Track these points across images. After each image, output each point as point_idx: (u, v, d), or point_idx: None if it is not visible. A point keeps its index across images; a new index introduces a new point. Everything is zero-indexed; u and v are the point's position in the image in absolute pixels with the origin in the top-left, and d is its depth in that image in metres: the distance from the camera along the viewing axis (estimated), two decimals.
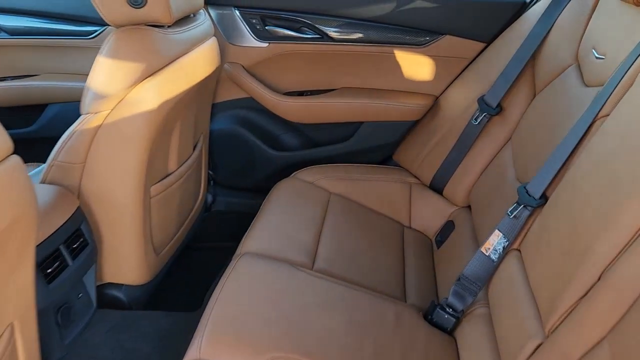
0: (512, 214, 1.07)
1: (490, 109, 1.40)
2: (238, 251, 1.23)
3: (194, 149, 1.47)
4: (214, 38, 1.41)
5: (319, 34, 1.58)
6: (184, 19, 1.29)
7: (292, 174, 1.59)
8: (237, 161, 1.78)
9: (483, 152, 1.43)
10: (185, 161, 1.41)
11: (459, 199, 1.49)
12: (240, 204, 1.82)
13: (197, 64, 1.27)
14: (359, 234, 1.41)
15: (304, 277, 1.13)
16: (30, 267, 0.85)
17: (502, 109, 1.39)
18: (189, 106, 1.33)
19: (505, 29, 1.50)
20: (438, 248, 1.47)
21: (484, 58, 1.52)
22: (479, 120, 1.42)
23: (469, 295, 1.10)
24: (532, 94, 1.36)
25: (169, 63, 1.17)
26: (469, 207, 1.48)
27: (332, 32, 1.57)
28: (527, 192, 1.07)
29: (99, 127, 1.12)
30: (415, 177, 1.61)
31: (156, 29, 1.15)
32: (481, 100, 1.42)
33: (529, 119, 1.30)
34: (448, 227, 1.48)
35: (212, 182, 1.78)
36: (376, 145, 1.70)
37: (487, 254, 1.09)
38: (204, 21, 1.37)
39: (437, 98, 1.63)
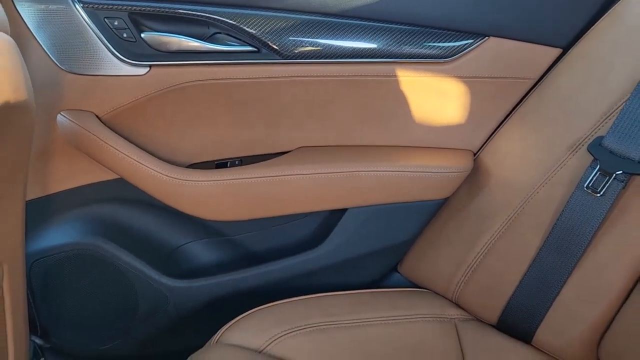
0: None
1: (629, 162, 0.68)
2: None
3: None
4: (3, 35, 0.58)
5: (252, 46, 0.80)
6: None
7: (217, 335, 0.75)
8: (96, 307, 0.90)
9: (621, 252, 0.69)
10: None
11: (573, 354, 0.73)
12: None
13: None
14: None
15: None
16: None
17: None
18: None
19: (594, 22, 0.82)
20: None
21: (564, 74, 0.82)
22: (603, 189, 0.69)
23: None
24: None
25: None
26: None
27: (279, 42, 0.80)
28: None
29: None
30: (457, 305, 0.84)
31: None
32: (600, 149, 0.70)
33: None
34: None
35: (42, 358, 0.88)
36: (372, 251, 0.90)
37: None
38: None
39: (476, 154, 0.89)
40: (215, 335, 0.74)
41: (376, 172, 0.84)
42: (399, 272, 0.95)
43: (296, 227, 0.93)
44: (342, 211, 0.88)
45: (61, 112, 0.80)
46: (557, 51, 0.83)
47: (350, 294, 0.85)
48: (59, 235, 0.87)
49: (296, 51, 0.81)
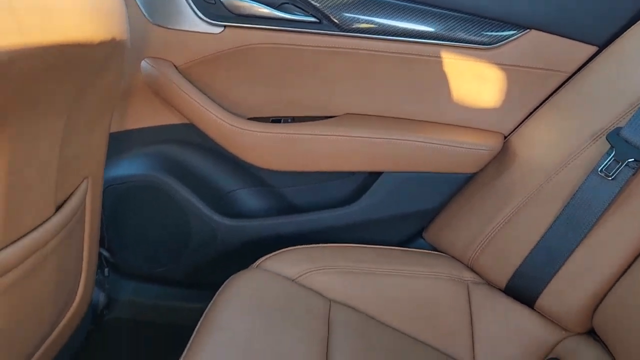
0: None
1: None
2: None
3: (58, 208, 0.71)
4: None
5: (314, 17, 0.91)
6: None
7: (257, 261, 0.87)
8: (154, 233, 1.03)
9: (625, 231, 0.77)
10: (31, 232, 0.65)
11: (571, 320, 0.81)
12: (157, 309, 1.05)
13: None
14: None
15: None
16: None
17: None
18: (38, 104, 0.58)
19: (631, 24, 0.88)
20: None
21: (597, 70, 0.89)
22: (615, 174, 0.77)
23: None
24: None
25: None
26: (592, 332, 0.81)
27: (339, 16, 0.90)
28: None
29: None
30: (473, 270, 0.93)
31: None
32: (617, 139, 0.78)
33: None
34: None
35: (106, 269, 1.02)
36: (401, 214, 1.00)
37: None
38: None
39: (506, 137, 0.97)
40: (256, 262, 0.85)
41: (413, 141, 0.93)
42: (422, 238, 1.04)
43: (335, 186, 1.04)
44: (378, 175, 0.98)
45: (145, 59, 0.92)
46: (593, 49, 0.90)
47: (377, 247, 0.95)
48: (129, 167, 1.00)
49: (353, 26, 0.90)
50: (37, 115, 0.59)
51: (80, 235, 0.83)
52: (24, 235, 0.62)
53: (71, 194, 0.74)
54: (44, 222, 0.67)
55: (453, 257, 0.96)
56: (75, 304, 0.87)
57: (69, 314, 0.86)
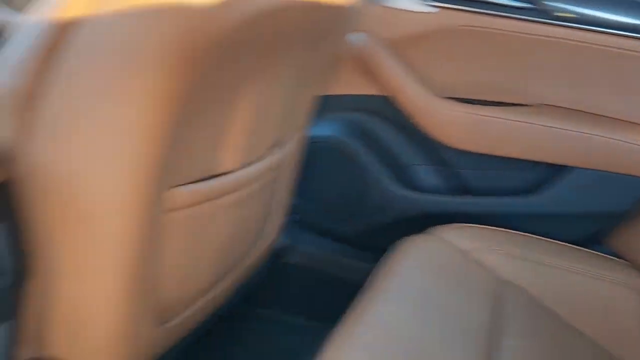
0: None
1: None
2: None
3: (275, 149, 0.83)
4: None
5: (530, 2, 0.92)
6: None
7: (429, 229, 0.92)
8: (336, 192, 1.13)
9: None
10: (250, 165, 0.76)
11: None
12: (329, 262, 1.15)
13: None
14: None
15: None
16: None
17: None
18: (285, 58, 0.68)
19: None
20: None
21: None
22: None
23: None
24: None
25: None
26: None
27: (552, 3, 0.91)
28: None
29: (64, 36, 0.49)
30: None
31: None
32: None
33: None
34: None
35: (292, 216, 1.13)
36: (582, 213, 0.98)
37: None
38: None
39: None
40: (430, 229, 0.90)
41: (609, 139, 0.91)
42: (600, 240, 1.00)
43: (515, 174, 1.04)
44: (563, 168, 0.96)
45: (355, 32, 1.01)
46: None
47: (553, 241, 0.94)
48: (324, 128, 1.10)
49: (565, 14, 0.90)
50: (280, 64, 0.69)
51: (283, 179, 0.95)
52: (254, 162, 0.74)
53: (285, 141, 0.85)
54: (265, 157, 0.78)
55: (634, 265, 0.92)
56: (265, 241, 0.99)
57: (257, 248, 0.98)
